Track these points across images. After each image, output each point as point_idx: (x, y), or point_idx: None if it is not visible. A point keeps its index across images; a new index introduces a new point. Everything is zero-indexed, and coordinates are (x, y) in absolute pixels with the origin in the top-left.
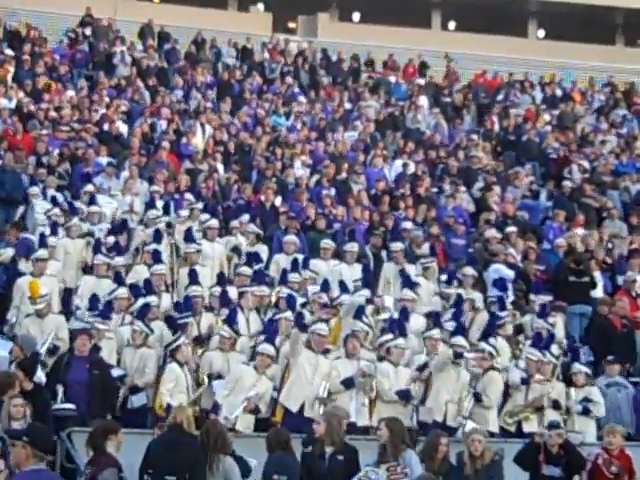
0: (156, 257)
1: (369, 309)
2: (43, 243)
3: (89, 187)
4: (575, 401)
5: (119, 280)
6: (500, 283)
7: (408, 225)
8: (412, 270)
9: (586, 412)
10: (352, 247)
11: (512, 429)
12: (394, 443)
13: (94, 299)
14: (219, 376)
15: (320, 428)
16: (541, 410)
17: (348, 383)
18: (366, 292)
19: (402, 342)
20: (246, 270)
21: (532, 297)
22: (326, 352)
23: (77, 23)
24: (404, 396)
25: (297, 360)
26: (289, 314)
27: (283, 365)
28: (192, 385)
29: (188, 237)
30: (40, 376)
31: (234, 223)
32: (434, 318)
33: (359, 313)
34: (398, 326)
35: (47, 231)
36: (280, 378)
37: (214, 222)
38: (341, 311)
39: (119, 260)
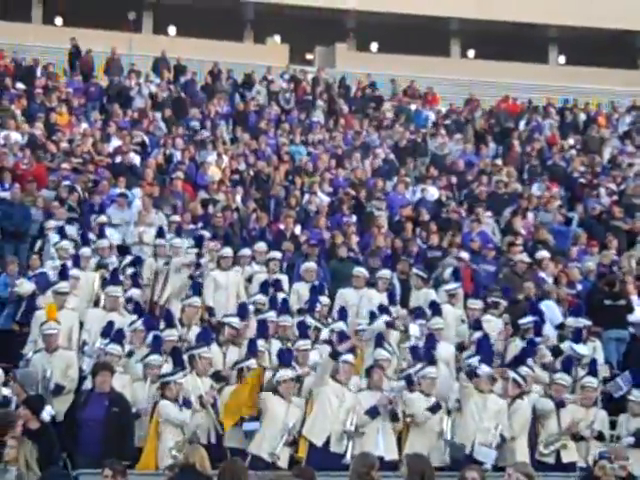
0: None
1: (394, 336)
2: (64, 275)
3: (101, 218)
4: (627, 431)
5: (139, 312)
6: (535, 309)
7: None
8: (433, 296)
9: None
10: (385, 274)
11: (551, 460)
12: None
13: (109, 326)
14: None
15: None
16: (580, 438)
17: (373, 412)
18: (385, 317)
19: (433, 371)
20: (261, 298)
21: (569, 321)
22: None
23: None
24: (435, 408)
25: (323, 391)
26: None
27: (306, 398)
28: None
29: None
30: (48, 413)
31: (243, 252)
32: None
33: (379, 340)
34: (425, 354)
35: (69, 263)
36: (303, 411)
37: (228, 251)
38: (364, 339)
39: (136, 292)
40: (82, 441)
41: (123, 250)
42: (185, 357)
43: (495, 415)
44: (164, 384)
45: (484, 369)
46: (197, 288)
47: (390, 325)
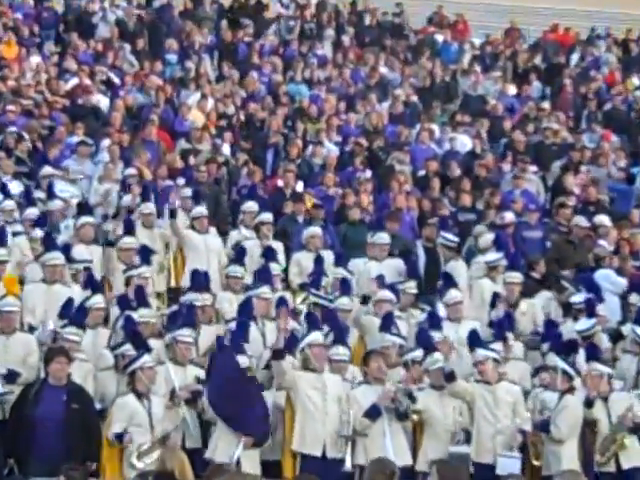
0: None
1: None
2: (3, 241)
3: (45, 170)
4: None
5: (93, 285)
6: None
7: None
8: (463, 269)
9: None
10: (384, 239)
11: (611, 469)
12: None
13: (68, 304)
14: None
15: None
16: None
17: (373, 413)
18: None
19: (439, 358)
20: (236, 270)
21: (632, 299)
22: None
23: None
24: (449, 376)
25: (298, 390)
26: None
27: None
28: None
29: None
30: None
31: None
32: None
33: (387, 322)
34: (423, 339)
35: (8, 228)
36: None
37: (202, 210)
38: (349, 320)
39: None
40: (35, 444)
41: (85, 211)
42: (160, 342)
43: (510, 408)
44: (132, 374)
45: (481, 352)
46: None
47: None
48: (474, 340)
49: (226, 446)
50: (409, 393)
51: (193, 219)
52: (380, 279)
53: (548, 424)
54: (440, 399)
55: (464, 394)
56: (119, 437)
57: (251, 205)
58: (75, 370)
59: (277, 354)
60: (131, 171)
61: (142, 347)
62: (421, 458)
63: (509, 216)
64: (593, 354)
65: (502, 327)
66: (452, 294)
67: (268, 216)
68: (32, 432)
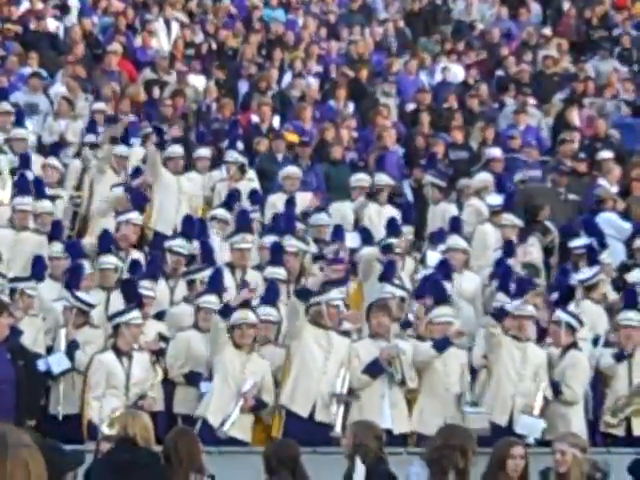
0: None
1: (410, 265)
2: None
3: None
4: None
5: (56, 233)
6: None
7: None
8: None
9: None
10: (385, 181)
11: (619, 432)
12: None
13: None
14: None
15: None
16: None
17: (374, 370)
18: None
19: (446, 312)
20: (223, 214)
21: (638, 243)
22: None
23: None
24: (442, 345)
25: (301, 342)
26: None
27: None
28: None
29: None
30: None
31: (201, 152)
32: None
33: (388, 272)
34: (435, 289)
35: None
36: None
37: (176, 150)
38: (359, 270)
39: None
40: None
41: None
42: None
43: (537, 371)
44: (116, 328)
45: (516, 304)
46: (138, 200)
47: (386, 249)
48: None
49: (222, 406)
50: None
51: (167, 159)
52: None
53: (558, 385)
54: (442, 355)
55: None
56: None
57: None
58: (26, 326)
59: (303, 293)
60: (100, 106)
61: (134, 300)
62: (416, 417)
63: (494, 152)
64: (633, 301)
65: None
66: (455, 240)
67: (235, 155)
68: None
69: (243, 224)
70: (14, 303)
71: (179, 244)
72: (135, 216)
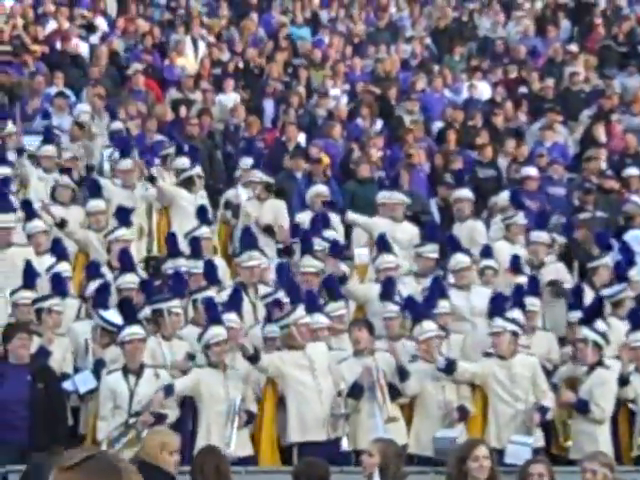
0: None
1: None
2: None
3: (9, 128)
4: None
5: (59, 252)
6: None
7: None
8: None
9: None
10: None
11: None
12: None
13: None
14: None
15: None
16: None
17: (354, 391)
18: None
19: (431, 328)
20: None
21: None
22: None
23: None
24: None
25: (284, 376)
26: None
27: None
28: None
29: None
30: None
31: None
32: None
33: (388, 290)
34: (418, 308)
35: None
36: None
37: (197, 169)
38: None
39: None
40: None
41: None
42: (145, 312)
43: (529, 383)
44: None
45: (498, 323)
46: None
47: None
48: (496, 307)
49: (219, 428)
50: (400, 368)
51: (186, 178)
52: None
53: (586, 403)
54: (433, 373)
55: (472, 378)
56: None
57: (247, 161)
58: (55, 347)
59: (252, 359)
60: (117, 125)
61: (130, 317)
62: (412, 440)
63: (529, 170)
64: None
65: (520, 293)
66: (458, 259)
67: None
68: None
69: (248, 242)
70: (43, 323)
71: (192, 265)
72: (123, 232)
